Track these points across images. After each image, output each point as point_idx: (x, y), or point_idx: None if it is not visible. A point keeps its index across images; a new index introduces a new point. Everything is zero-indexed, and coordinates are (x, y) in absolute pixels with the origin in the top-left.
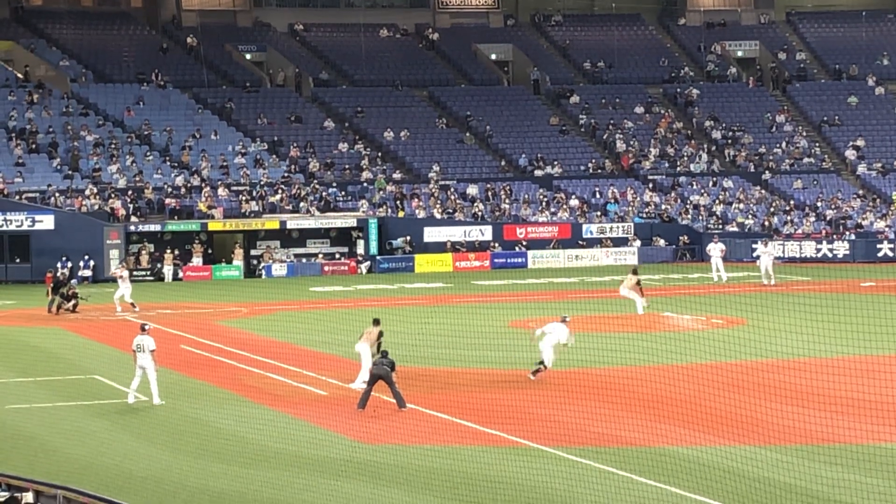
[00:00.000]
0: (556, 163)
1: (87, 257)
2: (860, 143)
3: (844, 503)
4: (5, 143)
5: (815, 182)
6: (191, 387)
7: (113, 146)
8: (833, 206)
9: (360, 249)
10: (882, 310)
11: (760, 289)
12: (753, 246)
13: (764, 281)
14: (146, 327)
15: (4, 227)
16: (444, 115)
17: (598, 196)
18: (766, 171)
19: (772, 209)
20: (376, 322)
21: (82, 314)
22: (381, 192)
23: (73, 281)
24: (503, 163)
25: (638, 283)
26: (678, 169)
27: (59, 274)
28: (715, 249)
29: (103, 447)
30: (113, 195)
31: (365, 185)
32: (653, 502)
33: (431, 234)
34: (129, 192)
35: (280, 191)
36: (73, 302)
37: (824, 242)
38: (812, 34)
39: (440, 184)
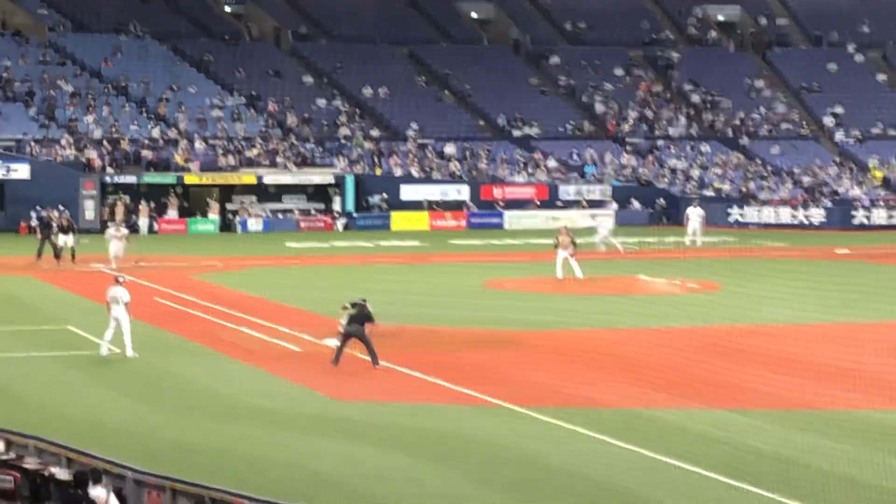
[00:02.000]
0: (534, 123)
1: (62, 208)
2: (839, 110)
3: (816, 468)
4: None
5: (793, 148)
6: (164, 340)
7: (90, 96)
8: (810, 173)
9: (337, 206)
10: (856, 277)
11: (686, 253)
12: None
13: (687, 242)
14: (120, 279)
15: None
16: (423, 73)
17: (576, 158)
18: (744, 137)
19: (749, 174)
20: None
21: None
22: (359, 149)
23: (66, 212)
24: (482, 122)
25: (573, 242)
26: (656, 132)
27: (44, 215)
28: (694, 213)
29: (76, 398)
30: (89, 146)
31: (342, 141)
32: (624, 464)
33: (408, 193)
34: (106, 143)
35: (257, 145)
36: (69, 240)
37: (800, 209)
38: (793, 0)
39: (418, 142)
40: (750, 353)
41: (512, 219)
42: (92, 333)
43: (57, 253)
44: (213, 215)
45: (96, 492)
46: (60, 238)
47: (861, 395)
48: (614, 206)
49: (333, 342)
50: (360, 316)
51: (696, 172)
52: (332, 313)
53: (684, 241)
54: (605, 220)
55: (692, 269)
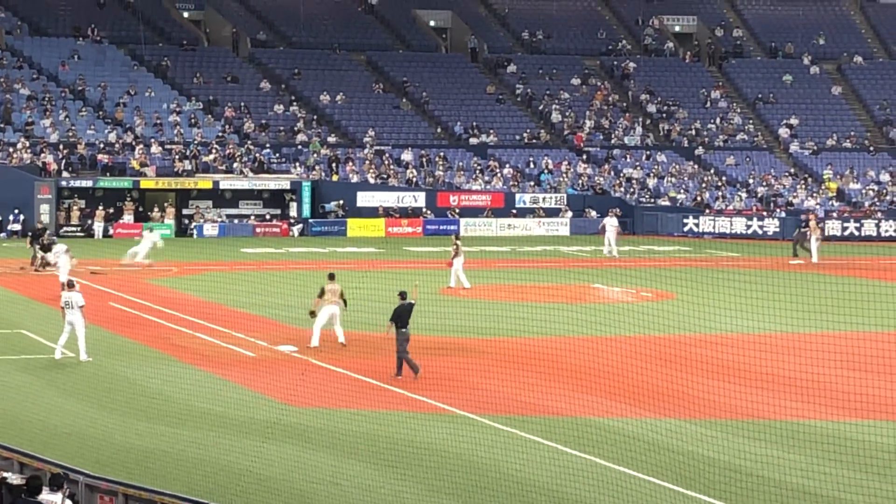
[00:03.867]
0: (491, 131)
1: (17, 211)
2: (794, 121)
3: (767, 478)
4: None
5: (748, 159)
6: (118, 345)
7: (47, 100)
8: (765, 184)
9: (293, 212)
10: (808, 288)
11: (607, 263)
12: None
13: (605, 252)
14: (73, 283)
15: None
16: (381, 80)
17: (532, 166)
18: (700, 147)
19: (704, 184)
20: (332, 277)
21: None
22: (316, 155)
23: (48, 232)
24: (439, 130)
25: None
26: (612, 141)
27: (37, 224)
28: (609, 224)
29: (28, 402)
30: (45, 149)
31: (299, 147)
32: (577, 472)
33: (364, 199)
34: (62, 147)
35: (214, 150)
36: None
37: (755, 219)
38: (750, 11)
39: (375, 149)
40: (703, 363)
41: (468, 226)
42: (45, 337)
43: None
44: (168, 220)
45: (50, 497)
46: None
47: (813, 405)
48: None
49: (288, 348)
50: (406, 315)
51: (651, 181)
52: (286, 318)
53: (602, 251)
54: (609, 227)
55: (646, 278)
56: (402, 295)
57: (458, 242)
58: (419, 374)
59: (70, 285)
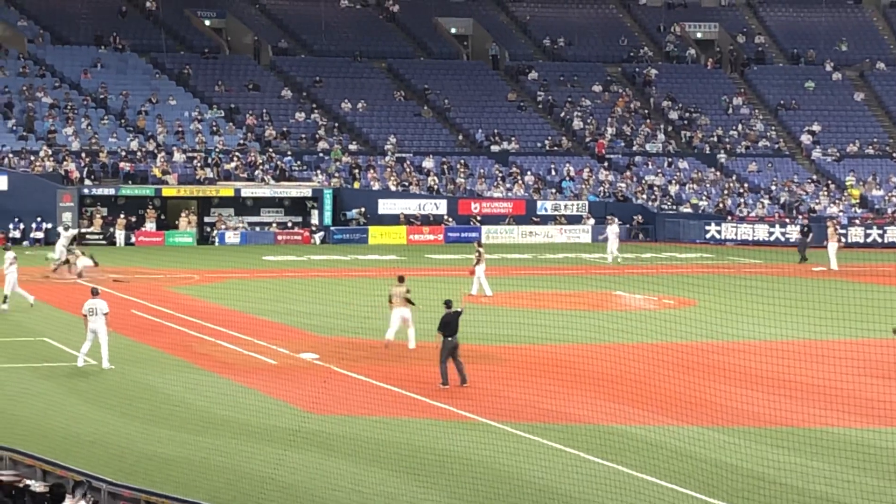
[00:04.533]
0: (512, 139)
1: (39, 219)
2: (816, 127)
3: (790, 486)
4: None
5: (770, 166)
6: (141, 352)
7: (69, 108)
8: (787, 190)
9: (315, 220)
10: (831, 295)
11: (610, 270)
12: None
13: (609, 260)
14: (97, 291)
15: None
16: (402, 87)
17: (553, 173)
18: (722, 153)
19: (726, 191)
20: (401, 279)
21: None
22: (337, 163)
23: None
24: (460, 137)
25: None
26: (634, 148)
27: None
28: (611, 231)
29: (51, 410)
30: (67, 158)
31: (321, 155)
32: (600, 480)
33: (386, 207)
34: (84, 155)
35: (235, 158)
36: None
37: (777, 226)
38: (772, 18)
39: (396, 156)
40: (725, 370)
41: (489, 233)
42: (68, 345)
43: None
44: (191, 228)
45: None
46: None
47: (836, 412)
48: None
49: (310, 356)
50: (454, 324)
51: (673, 189)
52: (308, 326)
53: (606, 257)
54: (610, 235)
55: (668, 286)
56: (448, 304)
57: (481, 249)
58: (445, 387)
59: (94, 293)
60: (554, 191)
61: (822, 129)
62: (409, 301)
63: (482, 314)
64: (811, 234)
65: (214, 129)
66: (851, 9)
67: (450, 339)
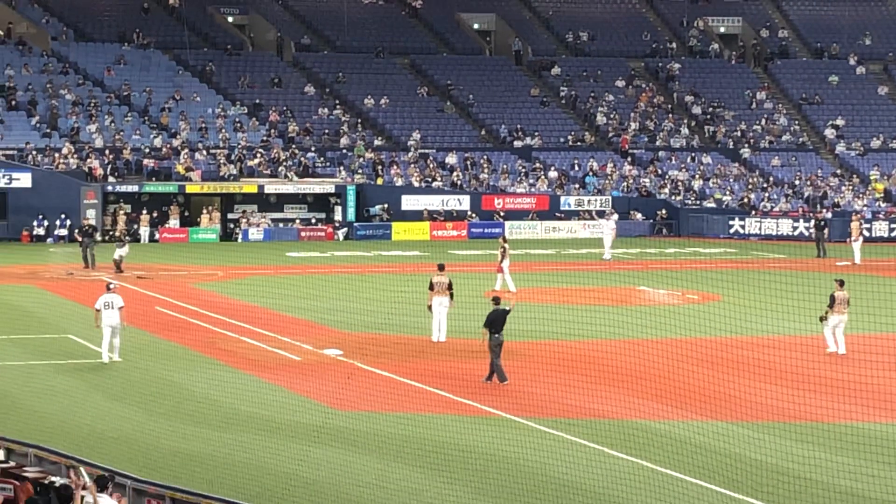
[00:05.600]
0: (535, 134)
1: (63, 216)
2: (840, 122)
3: (815, 481)
4: None
5: (794, 160)
6: (165, 349)
7: (92, 105)
8: (810, 185)
9: (338, 216)
10: (855, 289)
11: (603, 265)
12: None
13: (606, 256)
14: (112, 286)
15: None
16: (425, 83)
17: (576, 168)
18: (745, 148)
19: (749, 186)
20: (441, 268)
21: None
22: (360, 159)
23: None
24: (483, 132)
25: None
26: (657, 143)
27: (84, 224)
28: (607, 227)
29: (75, 406)
30: (91, 155)
31: (344, 151)
32: (624, 475)
33: (409, 203)
34: (108, 152)
35: (259, 155)
36: (122, 251)
37: (801, 220)
38: (795, 12)
39: (419, 152)
40: (750, 365)
41: (512, 229)
42: (92, 342)
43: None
44: (214, 224)
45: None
46: (116, 249)
47: (861, 407)
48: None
49: (334, 352)
50: (502, 321)
51: (696, 183)
52: (332, 322)
53: (603, 254)
54: (606, 231)
55: (692, 281)
56: (496, 300)
57: (506, 245)
58: (504, 382)
59: (109, 287)
60: (577, 186)
61: (846, 124)
62: (450, 292)
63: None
64: (827, 229)
65: (238, 125)
66: (875, 2)
67: (496, 335)
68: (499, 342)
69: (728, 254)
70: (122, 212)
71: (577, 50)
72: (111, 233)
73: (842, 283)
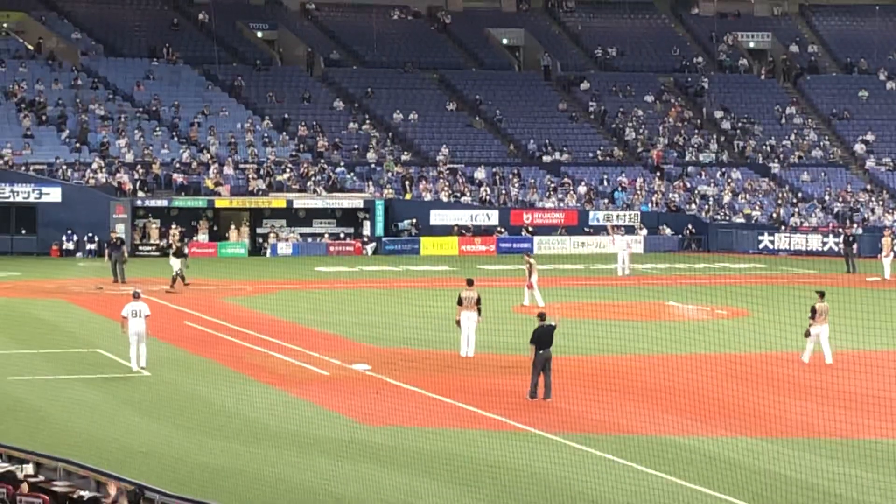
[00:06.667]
0: (564, 149)
1: (91, 232)
2: (869, 137)
3: (845, 497)
4: (14, 114)
5: (824, 175)
6: (193, 363)
7: (121, 120)
8: (840, 200)
9: (366, 230)
10: (885, 305)
11: (617, 281)
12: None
13: (619, 272)
14: (138, 294)
15: (11, 199)
16: (453, 98)
17: (605, 183)
18: (775, 163)
19: (779, 201)
20: (470, 283)
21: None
22: (389, 174)
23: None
24: (511, 147)
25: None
26: (687, 158)
27: (112, 237)
28: (622, 242)
29: (104, 421)
30: (120, 169)
31: (372, 166)
32: (653, 491)
33: (438, 217)
34: (137, 167)
35: (287, 169)
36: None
37: (831, 236)
38: (825, 27)
39: (448, 167)
40: (779, 381)
41: (541, 244)
42: (121, 356)
43: (180, 276)
44: (243, 238)
45: None
46: (172, 261)
47: (890, 423)
48: (643, 232)
49: (362, 367)
50: (548, 337)
51: (726, 198)
52: (360, 337)
53: (616, 269)
54: (624, 245)
55: (721, 296)
56: (542, 317)
57: (532, 261)
58: (533, 399)
59: (136, 296)
60: (606, 201)
61: (876, 139)
62: (478, 307)
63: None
64: (856, 244)
65: (266, 140)
66: None
67: (542, 352)
68: (545, 358)
69: (757, 269)
70: (153, 226)
71: (606, 65)
72: (168, 246)
73: (822, 295)
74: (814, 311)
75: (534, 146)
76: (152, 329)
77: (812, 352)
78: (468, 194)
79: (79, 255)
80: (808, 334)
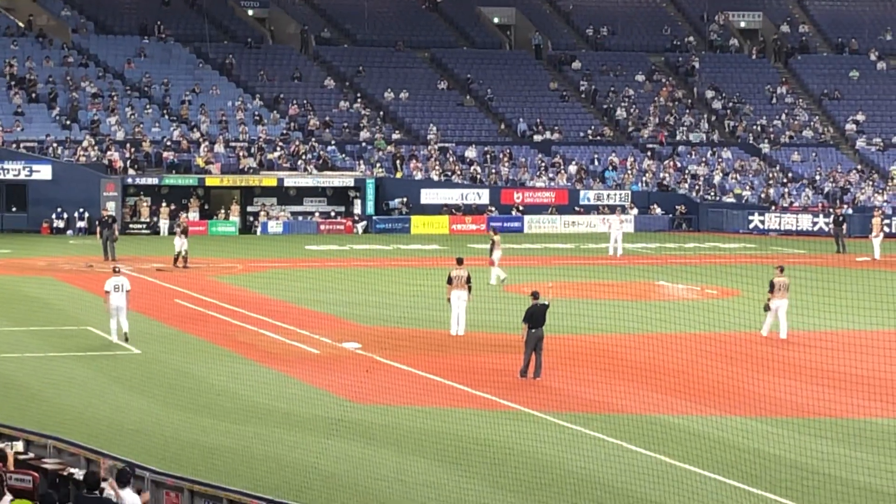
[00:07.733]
0: (555, 128)
1: (82, 209)
2: (860, 117)
3: (833, 476)
4: (5, 91)
5: (814, 155)
6: (184, 341)
7: (112, 98)
8: (831, 180)
9: (357, 209)
10: (874, 285)
11: (611, 260)
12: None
13: (610, 252)
14: (119, 269)
15: (2, 177)
16: (444, 77)
17: (596, 163)
18: (765, 143)
19: (769, 181)
20: (460, 262)
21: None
22: (380, 153)
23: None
24: (502, 127)
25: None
26: (677, 138)
27: (104, 215)
28: (616, 222)
29: (94, 398)
30: (111, 147)
31: (363, 144)
32: (643, 470)
33: (428, 196)
34: (127, 145)
35: (278, 148)
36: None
37: (821, 216)
38: (816, 7)
39: (439, 146)
40: (768, 360)
41: (532, 223)
42: (111, 334)
43: (181, 256)
44: (234, 217)
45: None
46: (176, 241)
47: (879, 403)
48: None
49: (353, 345)
50: (541, 316)
51: (716, 178)
52: (351, 315)
53: (608, 249)
54: (617, 225)
55: (711, 275)
56: (535, 295)
57: (496, 238)
58: (524, 378)
59: (116, 271)
60: (597, 180)
61: (867, 119)
62: (468, 286)
63: (524, 304)
64: (845, 224)
65: (257, 118)
66: None
67: (534, 330)
68: (538, 337)
69: (747, 249)
70: (143, 204)
71: (598, 44)
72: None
73: (781, 269)
74: (772, 285)
75: (524, 125)
76: (143, 306)
77: (771, 326)
78: (459, 173)
79: (69, 232)
80: (767, 308)
